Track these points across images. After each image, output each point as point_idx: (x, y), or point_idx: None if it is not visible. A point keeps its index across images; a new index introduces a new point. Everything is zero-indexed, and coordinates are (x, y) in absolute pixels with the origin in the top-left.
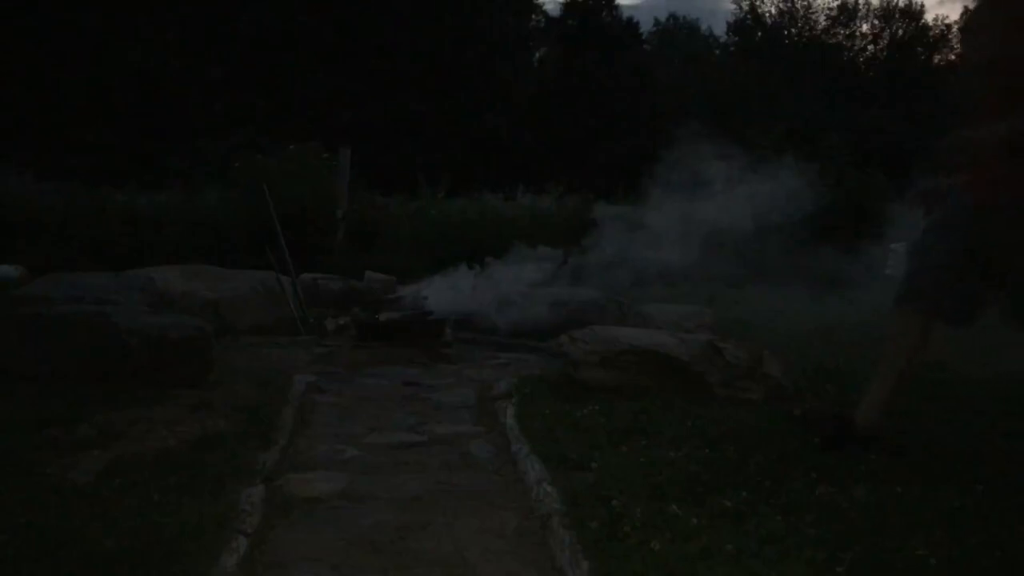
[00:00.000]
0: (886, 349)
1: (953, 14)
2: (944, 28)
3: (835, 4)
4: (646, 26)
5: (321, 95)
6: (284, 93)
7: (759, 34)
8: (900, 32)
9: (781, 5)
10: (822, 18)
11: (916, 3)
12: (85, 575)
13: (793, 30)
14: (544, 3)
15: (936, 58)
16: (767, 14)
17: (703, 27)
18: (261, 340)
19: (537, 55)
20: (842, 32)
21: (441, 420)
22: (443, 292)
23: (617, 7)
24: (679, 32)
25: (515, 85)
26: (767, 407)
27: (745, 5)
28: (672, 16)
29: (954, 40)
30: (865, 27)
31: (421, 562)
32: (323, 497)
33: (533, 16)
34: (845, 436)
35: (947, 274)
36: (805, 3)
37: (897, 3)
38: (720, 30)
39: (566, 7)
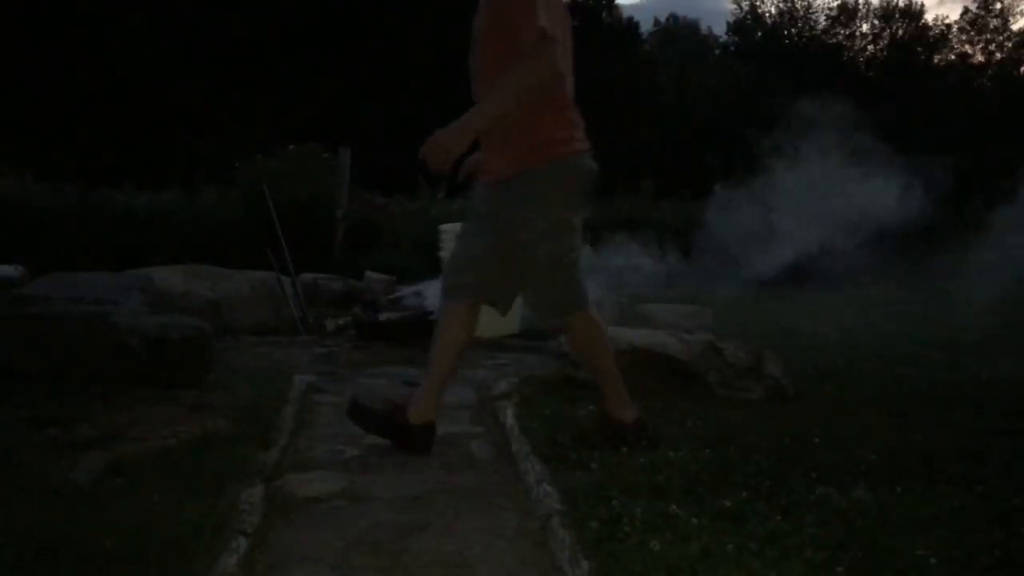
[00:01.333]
0: (439, 341)
1: (953, 14)
2: (944, 28)
3: (835, 4)
4: (646, 26)
5: (321, 95)
6: (284, 93)
7: (759, 34)
8: (900, 32)
9: (781, 5)
10: (822, 18)
11: (916, 3)
12: (85, 575)
13: (793, 30)
14: None
15: (936, 58)
16: (767, 14)
17: (703, 27)
18: (261, 340)
19: None
20: (842, 32)
21: (441, 420)
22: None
23: (617, 7)
24: (679, 32)
25: None
26: (767, 407)
27: (745, 5)
28: (672, 16)
29: (954, 40)
30: (865, 27)
31: (421, 562)
32: (323, 497)
33: None
34: (401, 431)
35: (483, 264)
36: (805, 3)
37: (897, 3)
38: (720, 30)
39: (566, 7)
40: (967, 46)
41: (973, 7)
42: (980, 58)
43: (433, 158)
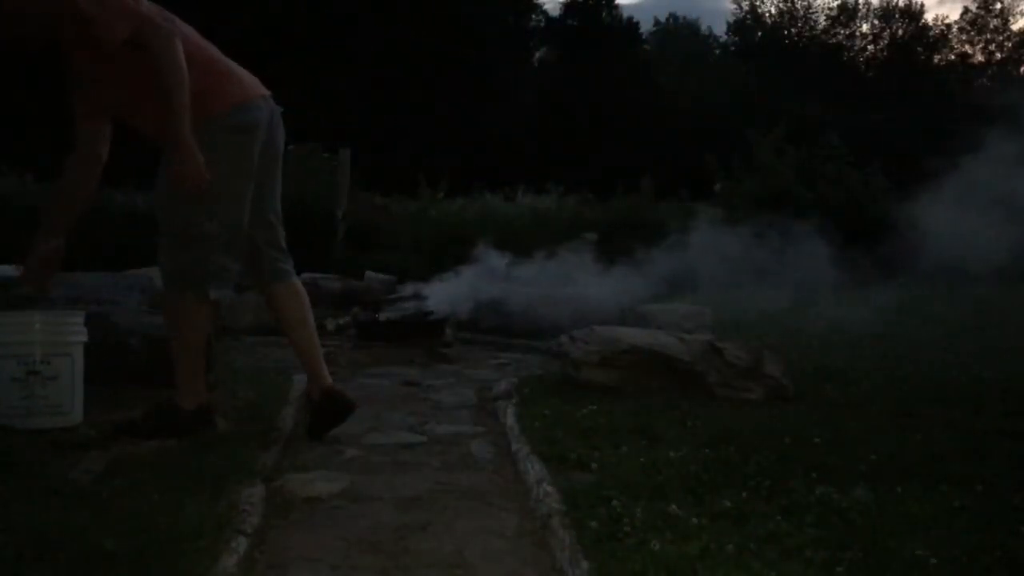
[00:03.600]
0: (178, 334)
1: (953, 14)
2: (944, 28)
3: (835, 4)
4: (646, 26)
5: (321, 95)
6: (284, 93)
7: (759, 34)
8: (900, 32)
9: (781, 5)
10: (822, 18)
11: (916, 3)
12: (85, 575)
13: (793, 30)
14: (544, 3)
15: (936, 58)
16: (767, 14)
17: (703, 27)
18: (261, 340)
19: (537, 55)
20: (842, 32)
21: (441, 420)
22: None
23: (617, 7)
24: (679, 32)
25: (515, 85)
26: (767, 407)
27: (745, 5)
28: (672, 16)
29: (954, 40)
30: (865, 27)
31: (421, 562)
32: (323, 497)
33: (533, 16)
34: (180, 424)
35: (199, 252)
36: (805, 3)
37: (897, 3)
38: (720, 30)
39: (566, 7)
40: (967, 46)
41: (973, 7)
42: (980, 58)
43: (194, 182)
